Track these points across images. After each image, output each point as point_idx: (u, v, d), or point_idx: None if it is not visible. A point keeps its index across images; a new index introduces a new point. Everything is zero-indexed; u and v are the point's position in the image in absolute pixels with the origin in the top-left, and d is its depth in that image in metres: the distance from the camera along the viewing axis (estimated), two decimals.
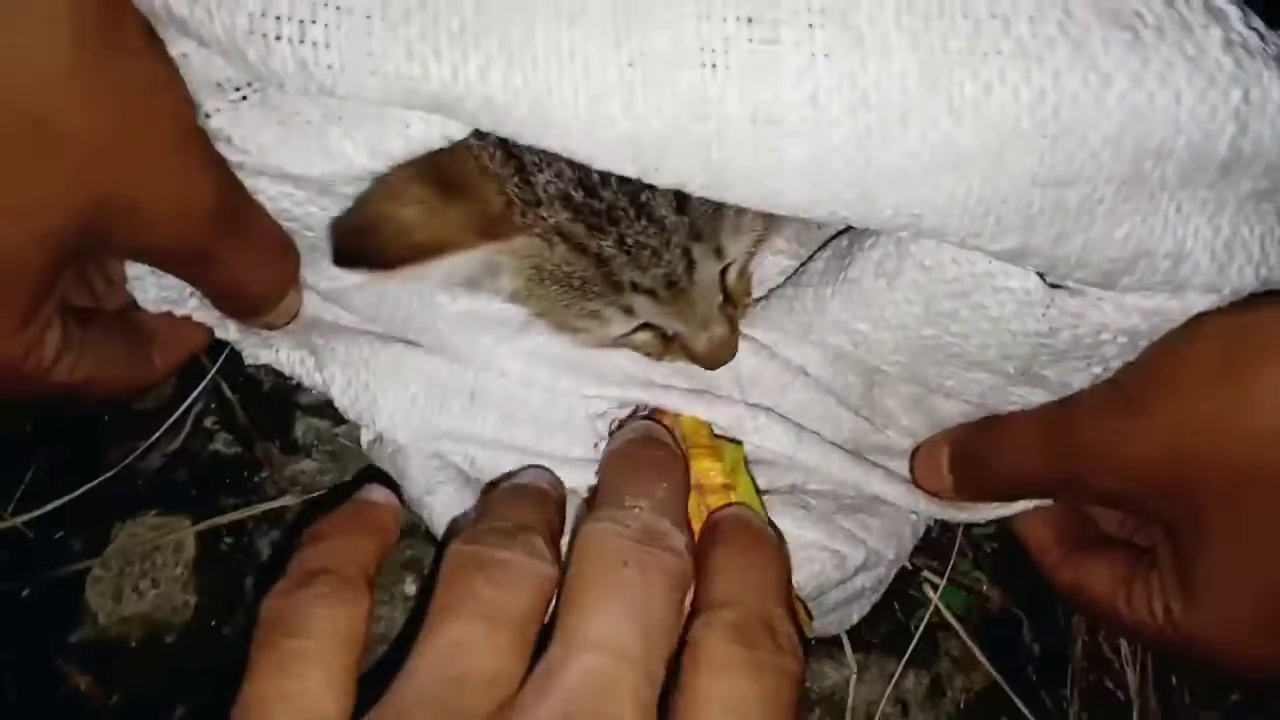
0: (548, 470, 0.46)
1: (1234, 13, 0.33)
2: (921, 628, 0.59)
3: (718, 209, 0.40)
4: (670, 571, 0.36)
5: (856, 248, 0.44)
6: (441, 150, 0.36)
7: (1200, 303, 0.38)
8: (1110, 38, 0.31)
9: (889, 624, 0.60)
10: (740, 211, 0.41)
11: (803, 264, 0.50)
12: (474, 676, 0.33)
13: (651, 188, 0.37)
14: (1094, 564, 0.47)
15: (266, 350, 0.49)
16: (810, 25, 0.31)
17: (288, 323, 0.49)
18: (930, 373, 0.47)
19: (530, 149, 0.36)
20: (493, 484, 0.47)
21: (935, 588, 0.60)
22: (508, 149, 0.37)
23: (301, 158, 0.37)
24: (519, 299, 0.44)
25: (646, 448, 0.42)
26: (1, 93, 0.30)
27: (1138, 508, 0.43)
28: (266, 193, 0.40)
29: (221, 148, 0.38)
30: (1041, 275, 0.39)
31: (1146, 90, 0.32)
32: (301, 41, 0.33)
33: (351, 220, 0.38)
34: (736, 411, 0.47)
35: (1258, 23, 0.34)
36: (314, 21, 0.32)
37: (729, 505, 0.43)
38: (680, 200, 0.39)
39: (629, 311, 0.42)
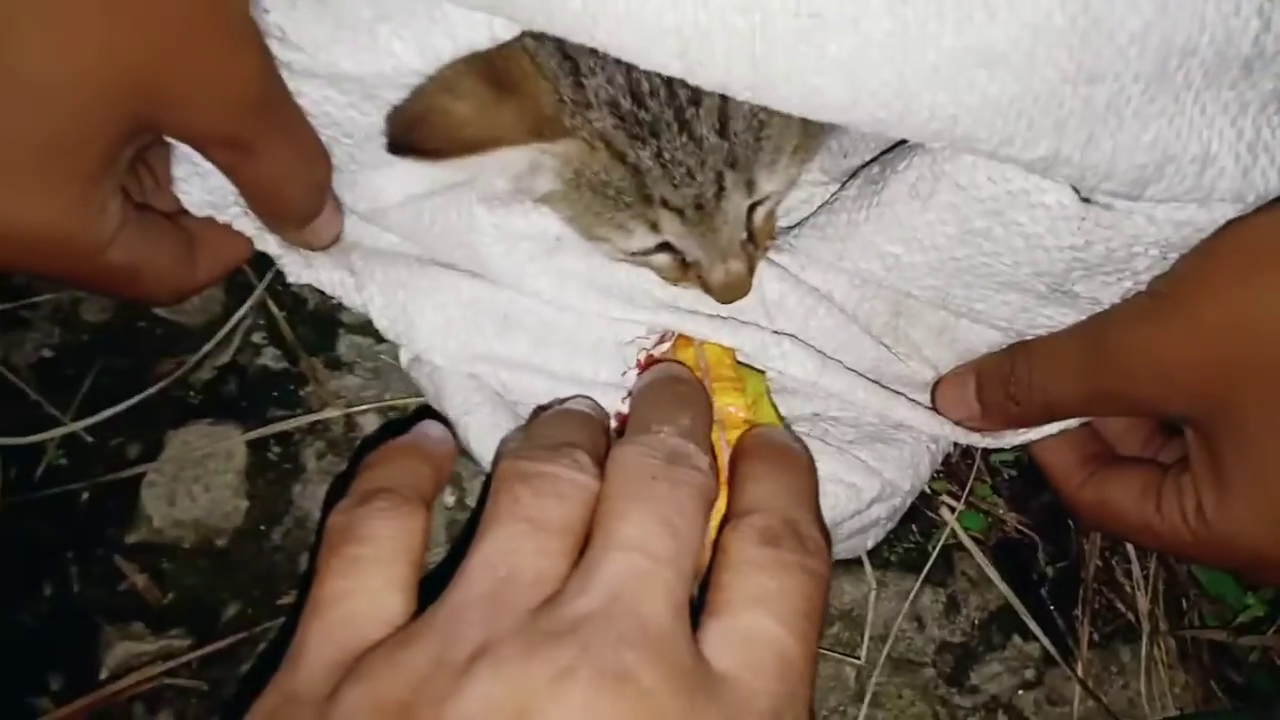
0: (591, 399, 0.48)
1: None
2: (939, 548, 0.60)
3: (757, 141, 0.41)
4: (695, 485, 0.38)
5: (890, 171, 0.45)
6: (498, 48, 0.38)
7: (1228, 213, 0.39)
8: None
9: (907, 544, 0.61)
10: (778, 150, 0.42)
11: (833, 194, 0.51)
12: (521, 576, 0.35)
13: (697, 104, 0.39)
14: (1120, 479, 0.48)
15: (308, 270, 0.51)
16: None
17: (330, 245, 0.50)
18: (960, 296, 0.48)
19: (585, 51, 0.37)
20: (541, 408, 0.49)
21: (953, 510, 0.61)
22: (563, 50, 0.38)
23: (351, 54, 0.39)
24: (552, 201, 0.45)
25: (672, 383, 0.45)
26: None
27: (1174, 411, 0.44)
28: (310, 97, 0.41)
29: (274, 45, 0.39)
30: (1075, 191, 0.40)
31: None
32: None
33: (406, 110, 0.39)
34: (761, 338, 0.48)
35: None
36: None
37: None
38: (723, 123, 0.40)
39: (654, 228, 0.43)
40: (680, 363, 0.47)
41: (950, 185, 0.42)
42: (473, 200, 0.48)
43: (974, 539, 0.61)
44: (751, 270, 0.47)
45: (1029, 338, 0.48)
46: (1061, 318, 0.46)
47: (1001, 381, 0.48)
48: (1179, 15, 0.33)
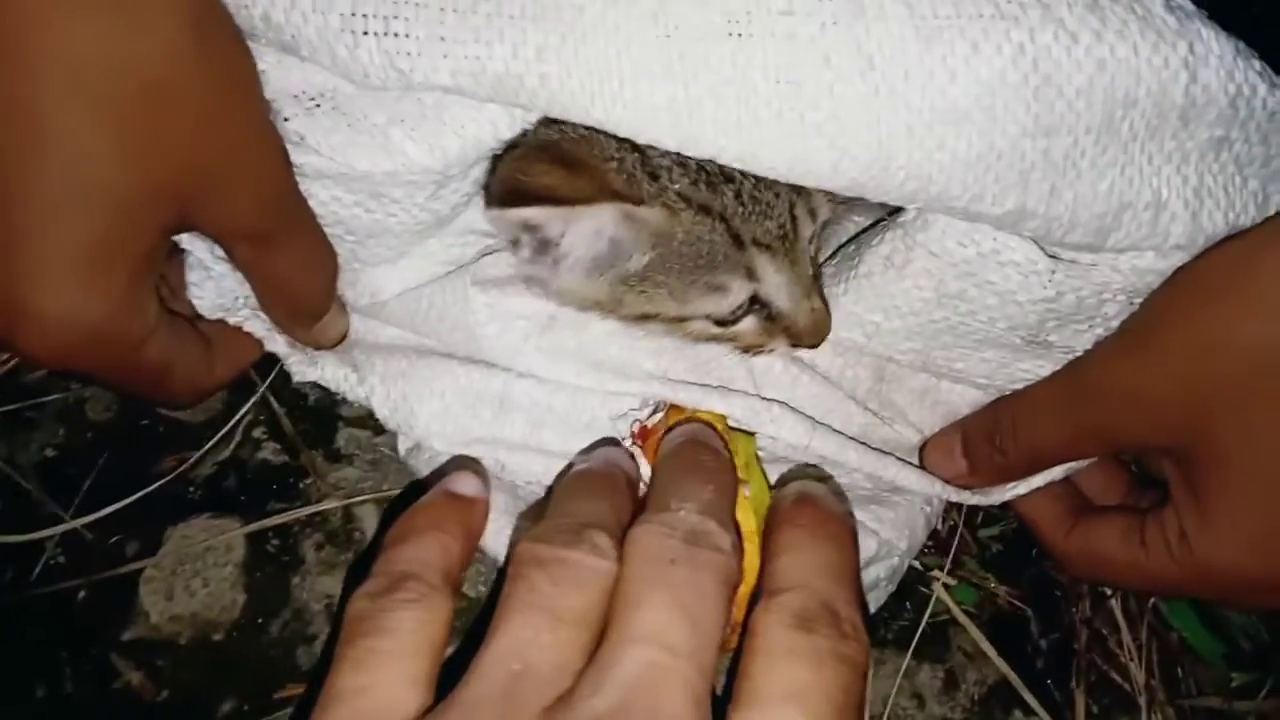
0: (617, 445, 0.48)
1: None
2: (926, 620, 0.60)
3: None
4: (716, 567, 0.36)
5: (865, 247, 0.47)
6: (557, 138, 0.40)
7: (1184, 259, 0.42)
8: (1073, 1, 0.36)
9: (902, 621, 0.61)
10: None
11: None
12: (536, 670, 0.33)
13: None
14: (1103, 525, 0.49)
15: (313, 368, 0.52)
16: None
17: (336, 345, 0.51)
18: (940, 356, 0.49)
19: None
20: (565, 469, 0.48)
21: (946, 586, 0.61)
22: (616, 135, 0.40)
23: (366, 155, 0.41)
24: (648, 277, 0.46)
25: (694, 451, 0.43)
26: (128, 60, 0.34)
27: (1153, 441, 0.45)
28: (318, 197, 0.43)
29: (293, 150, 0.41)
30: (1040, 248, 0.43)
31: (1107, 44, 0.36)
32: (385, 34, 0.36)
33: (500, 186, 0.42)
34: (752, 404, 0.49)
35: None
36: (396, 16, 0.36)
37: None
38: None
39: (749, 274, 0.45)
40: (708, 423, 0.47)
41: (924, 253, 0.44)
42: (467, 283, 0.50)
43: (967, 613, 0.61)
44: (827, 306, 0.48)
45: (1009, 392, 0.50)
46: (1038, 369, 0.48)
47: (987, 435, 0.49)
48: (1116, 70, 0.36)
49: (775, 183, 0.43)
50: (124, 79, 0.34)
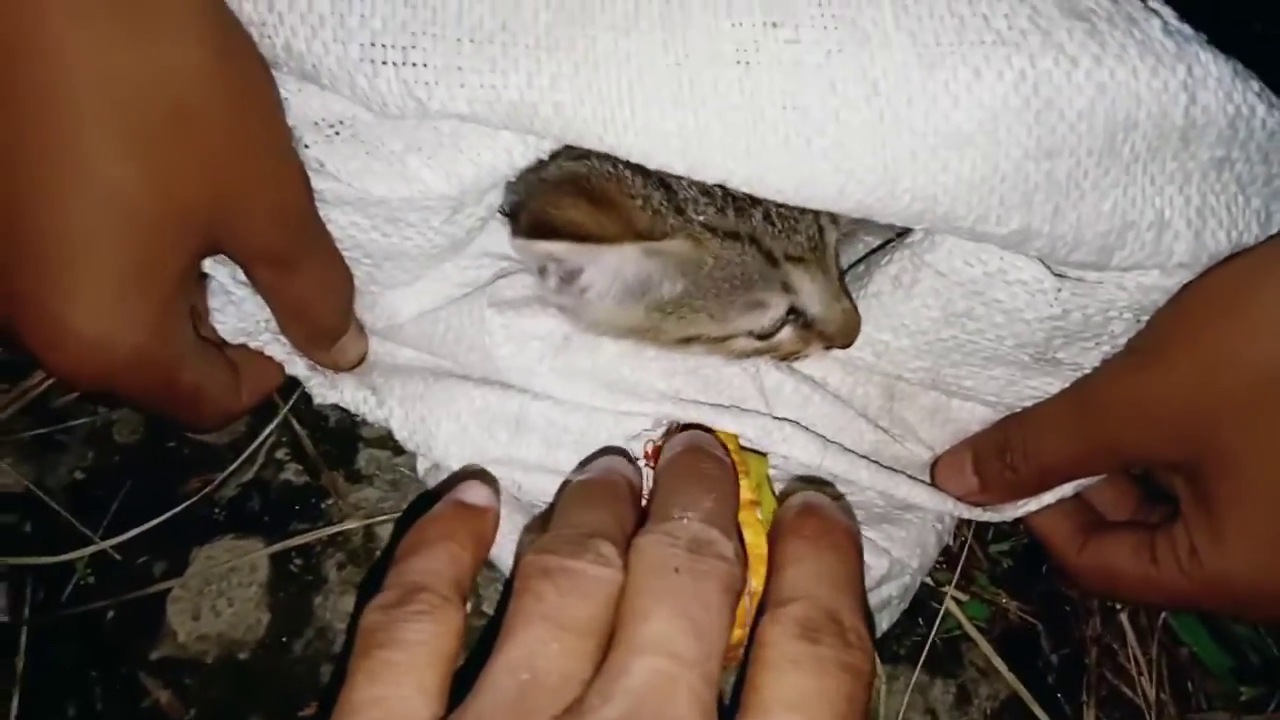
0: (621, 453, 0.48)
1: (1167, 10, 0.39)
2: (938, 635, 0.60)
3: None
4: (719, 575, 0.37)
5: (874, 267, 0.48)
6: (579, 172, 0.42)
7: (1187, 278, 0.42)
8: (1073, 27, 0.37)
9: (915, 636, 0.61)
10: None
11: None
12: (544, 680, 0.34)
13: None
14: (1114, 541, 0.49)
15: (333, 390, 0.52)
16: (825, 27, 0.36)
17: (355, 366, 0.52)
18: (949, 375, 0.50)
19: None
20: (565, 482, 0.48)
21: (957, 601, 0.62)
22: (643, 170, 0.41)
23: (383, 181, 0.42)
24: (685, 303, 0.47)
25: (695, 459, 0.44)
26: (155, 85, 0.35)
27: (1163, 457, 0.45)
28: (337, 222, 0.44)
29: (313, 176, 0.42)
30: (1047, 266, 0.43)
31: (1107, 68, 0.36)
32: (403, 64, 0.37)
33: (527, 216, 0.43)
34: (764, 423, 0.49)
35: (1185, 21, 0.39)
36: (414, 46, 0.37)
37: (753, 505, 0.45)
38: None
39: (786, 288, 0.46)
40: (709, 430, 0.47)
41: (931, 273, 0.45)
42: (484, 305, 0.50)
43: (979, 628, 0.61)
44: (855, 305, 0.49)
45: (1018, 410, 0.50)
46: (1046, 387, 0.49)
47: (997, 452, 0.50)
48: (1116, 94, 0.37)
49: (803, 211, 0.44)
50: (152, 104, 0.35)
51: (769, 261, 0.45)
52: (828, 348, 0.49)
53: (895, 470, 0.52)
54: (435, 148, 0.41)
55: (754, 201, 0.43)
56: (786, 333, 0.49)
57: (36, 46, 0.33)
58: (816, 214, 0.45)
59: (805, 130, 0.37)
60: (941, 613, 0.60)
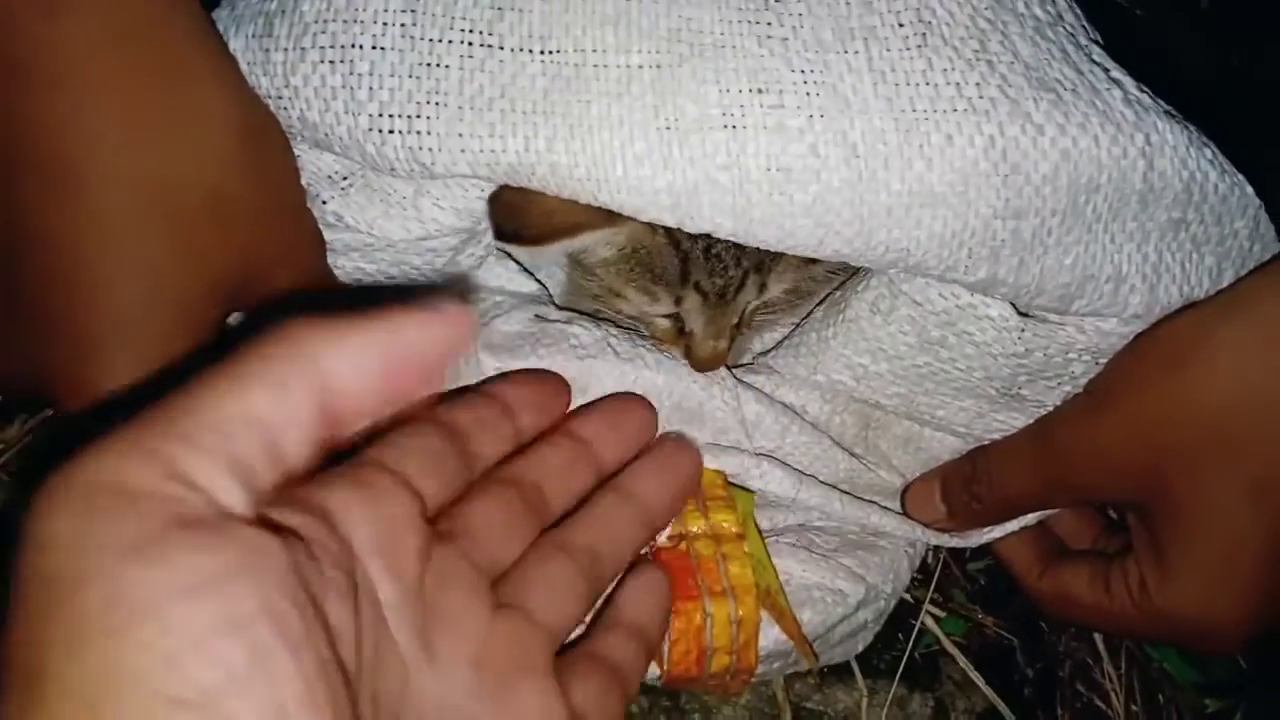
0: None
1: (1128, 81, 0.40)
2: (915, 650, 0.61)
3: (779, 256, 0.46)
4: None
5: (851, 293, 0.50)
6: None
7: (1141, 328, 0.44)
8: (1039, 97, 0.38)
9: (894, 651, 0.62)
10: (789, 262, 0.47)
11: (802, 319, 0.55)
12: None
13: None
14: (1072, 569, 0.51)
15: None
16: (808, 93, 0.38)
17: None
18: (923, 404, 0.51)
19: None
20: None
21: (935, 618, 0.63)
22: None
23: (400, 224, 0.43)
24: (600, 266, 0.48)
25: None
26: (191, 170, 0.37)
27: (1116, 497, 0.47)
28: (344, 268, 0.46)
29: (327, 231, 0.44)
30: (1013, 306, 0.45)
31: (1070, 135, 0.38)
32: (409, 132, 0.39)
33: (503, 199, 0.42)
34: (742, 460, 0.51)
35: (1146, 90, 0.41)
36: (419, 116, 0.38)
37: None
38: None
39: (678, 301, 0.48)
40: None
41: (907, 301, 0.46)
42: (479, 348, 0.52)
43: (956, 643, 0.63)
44: (729, 349, 0.51)
45: (986, 442, 0.52)
46: (1013, 421, 0.50)
47: (964, 483, 0.51)
48: (1079, 159, 0.38)
49: (742, 259, 0.46)
50: (189, 193, 0.37)
51: (682, 277, 0.47)
52: (685, 358, 0.51)
53: (867, 501, 0.54)
54: (443, 189, 0.43)
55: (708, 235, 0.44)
56: (664, 323, 0.51)
57: (82, 147, 0.35)
58: (745, 276, 0.47)
59: (788, 189, 0.38)
60: (917, 628, 0.62)
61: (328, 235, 0.44)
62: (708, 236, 0.44)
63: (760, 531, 0.50)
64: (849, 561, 0.53)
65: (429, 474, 0.36)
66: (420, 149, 0.39)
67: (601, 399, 0.47)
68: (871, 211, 0.39)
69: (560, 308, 0.54)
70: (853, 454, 0.55)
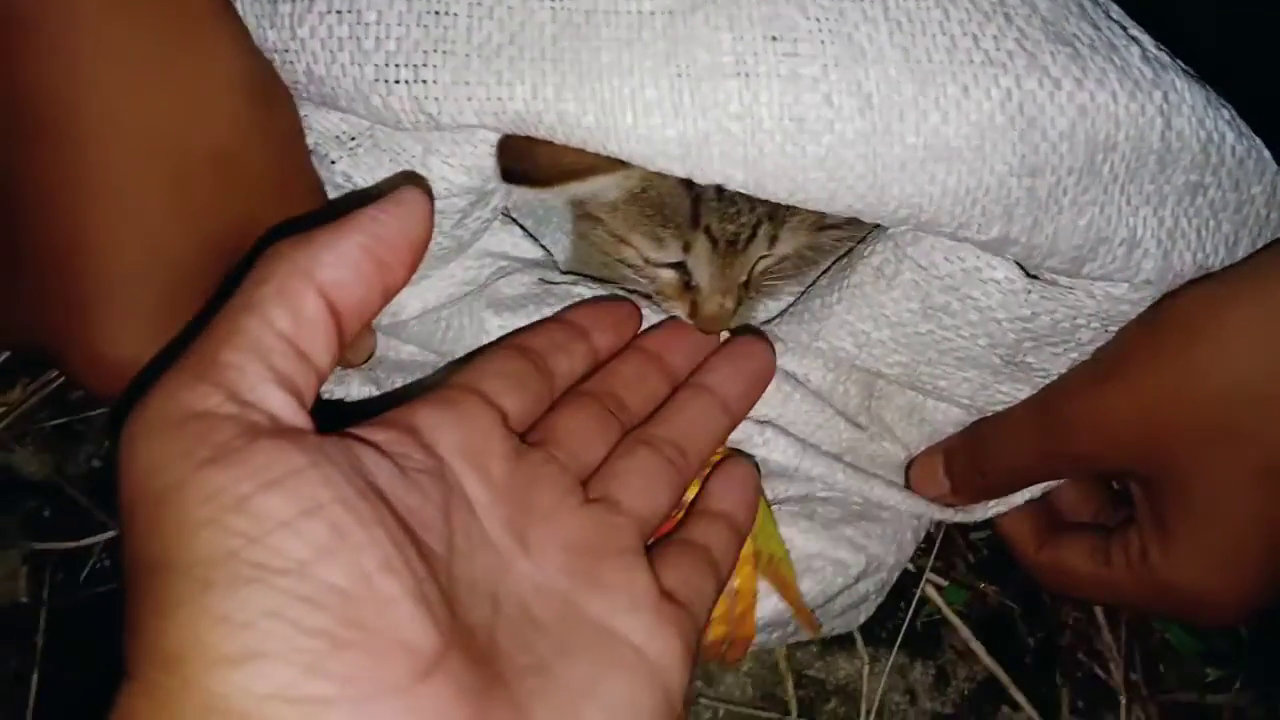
0: None
1: (1146, 39, 0.39)
2: (917, 619, 0.61)
3: (792, 209, 0.45)
4: None
5: (858, 258, 0.49)
6: None
7: (1153, 294, 0.43)
8: (1057, 50, 0.37)
9: (896, 620, 0.62)
10: (804, 219, 0.46)
11: (808, 286, 0.54)
12: None
13: None
14: (1072, 542, 0.50)
15: (340, 386, 0.53)
16: (822, 41, 0.36)
17: (365, 362, 0.53)
18: (925, 373, 0.50)
19: None
20: None
21: (937, 587, 0.63)
22: None
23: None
24: (605, 208, 0.47)
25: None
26: (194, 130, 0.36)
27: (1119, 467, 0.46)
28: None
29: (343, 191, 0.43)
30: (1021, 267, 0.44)
31: (1088, 91, 0.37)
32: (415, 81, 0.38)
33: (513, 143, 0.41)
34: (744, 426, 0.50)
35: (1164, 48, 0.40)
36: (425, 64, 0.37)
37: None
38: None
39: (687, 248, 0.46)
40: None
41: (912, 265, 0.45)
42: (482, 306, 0.51)
43: (958, 612, 0.62)
44: (737, 310, 0.49)
45: (989, 414, 0.51)
46: (1016, 392, 0.49)
47: (968, 456, 0.50)
48: (1096, 116, 0.37)
49: (756, 205, 0.44)
50: (191, 152, 0.36)
51: (692, 220, 0.45)
52: (690, 318, 0.49)
53: (871, 474, 0.53)
54: (452, 146, 0.42)
55: None
56: (669, 274, 0.49)
57: (83, 104, 0.34)
58: (757, 225, 0.45)
59: (801, 140, 0.37)
60: (918, 596, 0.61)
61: (333, 195, 0.43)
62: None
63: (766, 500, 0.49)
64: (851, 532, 0.52)
65: (511, 391, 0.39)
66: (426, 98, 0.38)
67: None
68: (885, 165, 0.38)
69: (565, 272, 0.54)
70: (856, 424, 0.54)
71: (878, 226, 0.47)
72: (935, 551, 0.63)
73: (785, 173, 0.38)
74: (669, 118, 0.37)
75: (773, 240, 0.46)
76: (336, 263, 0.30)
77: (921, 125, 0.37)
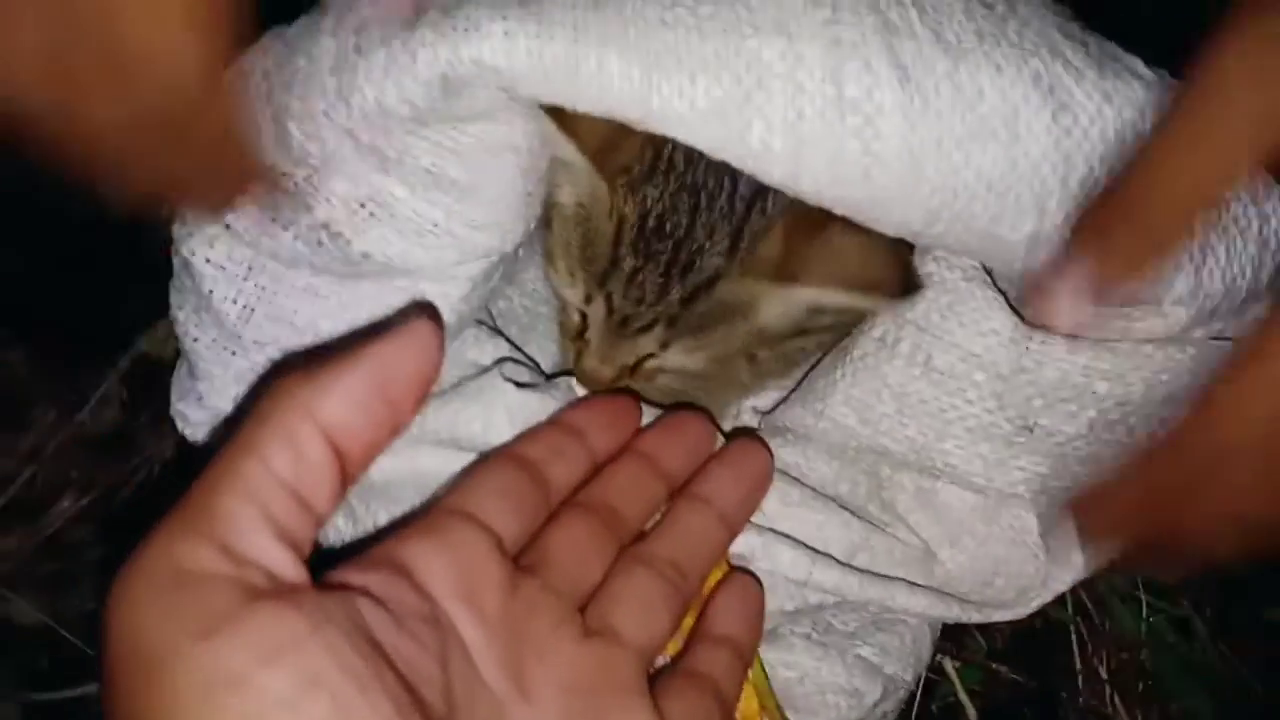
0: None
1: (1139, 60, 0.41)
2: (941, 706, 0.57)
3: (701, 331, 0.45)
4: None
5: (859, 334, 0.48)
6: None
7: (1182, 318, 0.40)
8: (1074, 48, 0.39)
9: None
10: (709, 348, 0.46)
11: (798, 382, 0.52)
12: None
13: (687, 270, 0.43)
14: None
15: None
16: (858, 12, 0.38)
17: None
18: (935, 450, 0.47)
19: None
20: None
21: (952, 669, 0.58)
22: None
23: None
24: (556, 212, 0.47)
25: None
26: None
27: None
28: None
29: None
30: (1021, 316, 0.43)
31: (1110, 80, 0.38)
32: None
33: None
34: (748, 539, 0.47)
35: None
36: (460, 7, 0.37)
37: None
38: (691, 296, 0.44)
39: (588, 300, 0.46)
40: None
41: (912, 330, 0.45)
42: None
43: (971, 693, 0.58)
44: (613, 381, 0.48)
45: (1008, 495, 0.48)
46: (1034, 467, 0.47)
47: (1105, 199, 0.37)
48: (1121, 103, 0.38)
49: (664, 303, 0.44)
50: None
51: (599, 279, 0.45)
52: (572, 364, 0.49)
53: (890, 578, 0.49)
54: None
55: (648, 255, 0.43)
56: (574, 317, 0.48)
57: None
58: (654, 322, 0.45)
59: (841, 106, 0.37)
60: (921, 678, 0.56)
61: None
62: (647, 260, 0.43)
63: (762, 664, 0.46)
64: (865, 652, 0.48)
65: (505, 511, 0.37)
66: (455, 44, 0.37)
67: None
68: (922, 141, 0.38)
69: (551, 377, 0.51)
70: (864, 516, 0.50)
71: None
72: (948, 634, 0.59)
73: (822, 141, 0.37)
74: (712, 81, 0.37)
75: (664, 345, 0.46)
76: (343, 401, 0.28)
77: (957, 100, 0.37)
